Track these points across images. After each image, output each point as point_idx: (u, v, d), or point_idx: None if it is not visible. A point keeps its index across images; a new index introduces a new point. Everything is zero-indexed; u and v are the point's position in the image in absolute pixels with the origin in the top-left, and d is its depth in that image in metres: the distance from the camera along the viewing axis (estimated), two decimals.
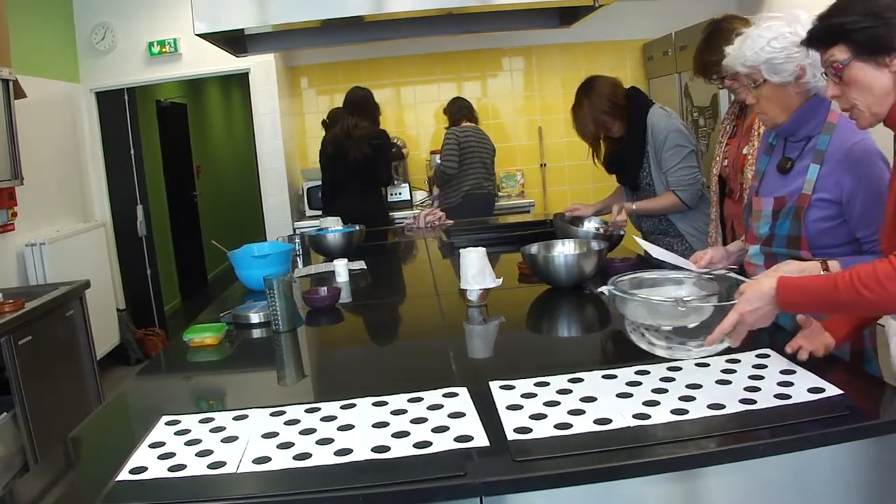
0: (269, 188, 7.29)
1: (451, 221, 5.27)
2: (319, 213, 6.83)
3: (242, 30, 3.80)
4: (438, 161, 6.51)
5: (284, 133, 7.25)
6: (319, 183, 6.77)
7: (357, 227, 4.36)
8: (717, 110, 6.12)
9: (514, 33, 7.25)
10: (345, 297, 3.33)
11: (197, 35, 3.54)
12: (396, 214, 6.61)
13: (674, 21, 7.07)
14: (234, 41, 4.09)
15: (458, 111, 6.54)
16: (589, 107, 3.78)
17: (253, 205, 8.19)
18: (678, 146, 3.66)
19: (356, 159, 5.82)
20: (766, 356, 2.05)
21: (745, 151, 3.06)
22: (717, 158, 3.26)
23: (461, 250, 2.94)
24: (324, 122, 6.75)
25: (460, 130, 6.36)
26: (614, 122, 3.80)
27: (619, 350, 2.53)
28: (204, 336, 2.69)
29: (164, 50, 6.95)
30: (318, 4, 3.49)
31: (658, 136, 3.68)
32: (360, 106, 5.93)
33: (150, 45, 6.96)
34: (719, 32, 3.05)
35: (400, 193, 6.92)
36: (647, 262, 3.68)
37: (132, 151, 7.24)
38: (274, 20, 3.66)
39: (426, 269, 4.13)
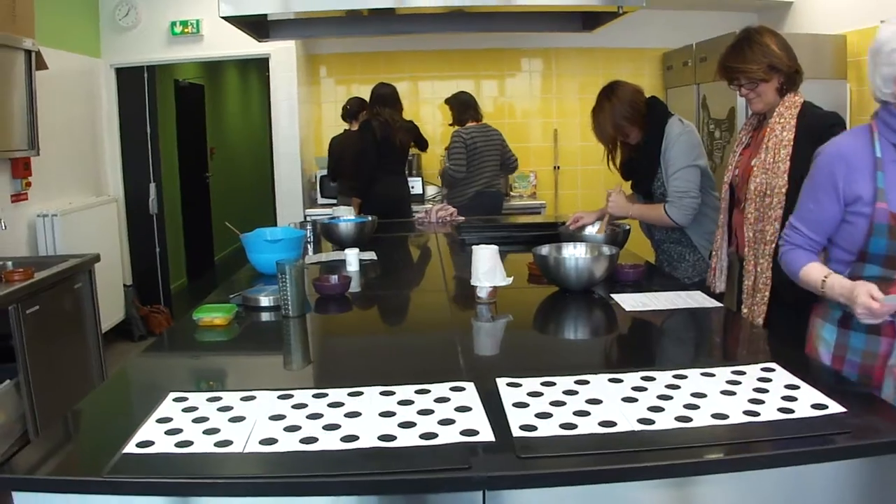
0: (283, 174, 7.31)
1: (463, 218, 5.28)
2: (334, 201, 6.89)
3: (266, 15, 3.81)
4: (447, 163, 6.52)
5: (301, 120, 7.28)
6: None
7: (370, 218, 4.39)
8: (734, 123, 6.13)
9: (533, 34, 7.28)
10: (354, 286, 3.35)
11: (221, 17, 3.56)
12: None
13: (695, 32, 7.10)
14: (256, 26, 4.10)
15: (464, 110, 6.50)
16: (609, 110, 3.79)
17: (264, 190, 8.22)
18: (678, 157, 3.65)
19: (403, 145, 6.34)
20: (772, 370, 2.06)
21: (753, 163, 3.09)
22: (730, 167, 3.28)
23: (474, 247, 2.95)
24: (345, 109, 6.80)
25: (466, 133, 6.35)
26: (632, 129, 3.80)
27: (625, 355, 2.56)
28: (213, 316, 2.71)
29: (186, 30, 6.98)
30: None
31: (667, 143, 3.68)
32: (390, 101, 6.27)
33: (173, 24, 6.99)
34: (748, 41, 3.08)
35: (413, 187, 6.96)
36: (657, 269, 3.70)
37: (148, 129, 7.28)
38: (297, 7, 3.68)
39: (436, 263, 4.14)
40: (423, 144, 6.78)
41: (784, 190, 2.97)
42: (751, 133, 3.27)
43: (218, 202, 10.31)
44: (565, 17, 4.59)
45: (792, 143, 2.98)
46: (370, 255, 3.91)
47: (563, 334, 2.86)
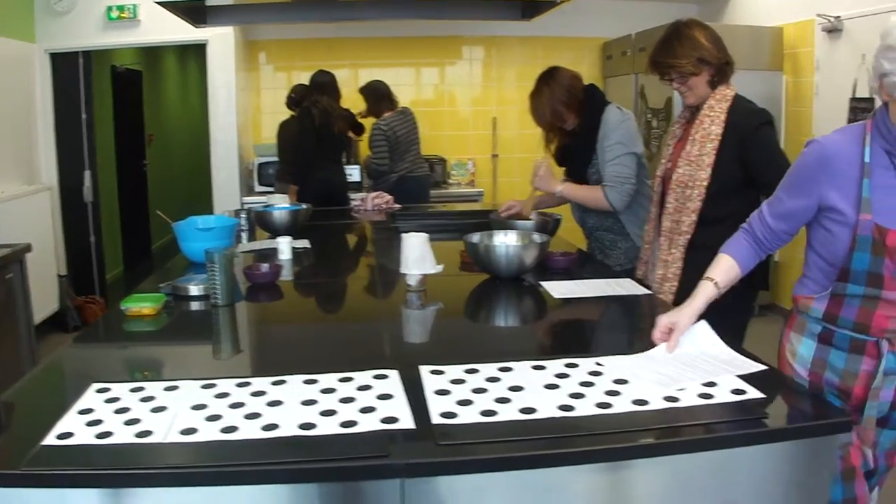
0: (220, 162, 7.25)
1: (399, 206, 5.28)
2: (271, 189, 6.85)
3: (203, 0, 3.78)
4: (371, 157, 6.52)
5: (239, 107, 7.22)
6: (272, 159, 6.90)
7: (304, 206, 4.37)
8: (671, 113, 6.21)
9: (475, 23, 7.30)
10: (286, 274, 3.33)
11: (156, 2, 3.51)
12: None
13: (635, 22, 7.17)
14: (193, 11, 4.07)
15: (379, 100, 6.50)
16: (548, 95, 3.81)
17: (203, 177, 8.13)
18: (619, 143, 3.68)
19: (341, 132, 6.39)
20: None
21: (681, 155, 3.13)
22: (663, 161, 3.31)
23: (403, 235, 2.95)
24: (289, 97, 6.76)
25: (385, 124, 6.35)
26: (570, 114, 3.82)
27: (550, 342, 2.58)
28: (141, 306, 2.68)
29: (122, 15, 6.88)
30: None
31: (606, 130, 3.71)
32: (329, 89, 6.29)
33: (109, 9, 6.88)
34: (677, 35, 3.10)
35: (351, 175, 6.95)
36: (589, 257, 3.74)
37: (84, 116, 7.16)
38: None
39: (369, 251, 4.15)
40: (359, 129, 6.83)
41: (705, 183, 3.01)
42: (684, 126, 3.30)
43: (155, 190, 10.18)
44: (505, 5, 4.62)
45: (720, 137, 3.01)
46: (304, 243, 3.89)
47: (491, 321, 2.88)
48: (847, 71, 5.67)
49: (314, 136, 6.16)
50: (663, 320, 2.23)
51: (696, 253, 2.98)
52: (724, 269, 2.36)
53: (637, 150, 3.73)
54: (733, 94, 3.09)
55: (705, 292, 2.30)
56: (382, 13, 4.65)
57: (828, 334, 2.28)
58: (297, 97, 6.67)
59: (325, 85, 6.26)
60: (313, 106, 6.14)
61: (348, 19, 4.86)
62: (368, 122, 6.55)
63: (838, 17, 5.81)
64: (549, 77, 3.84)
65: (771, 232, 2.37)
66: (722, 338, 2.22)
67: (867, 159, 2.13)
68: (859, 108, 5.55)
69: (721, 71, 3.09)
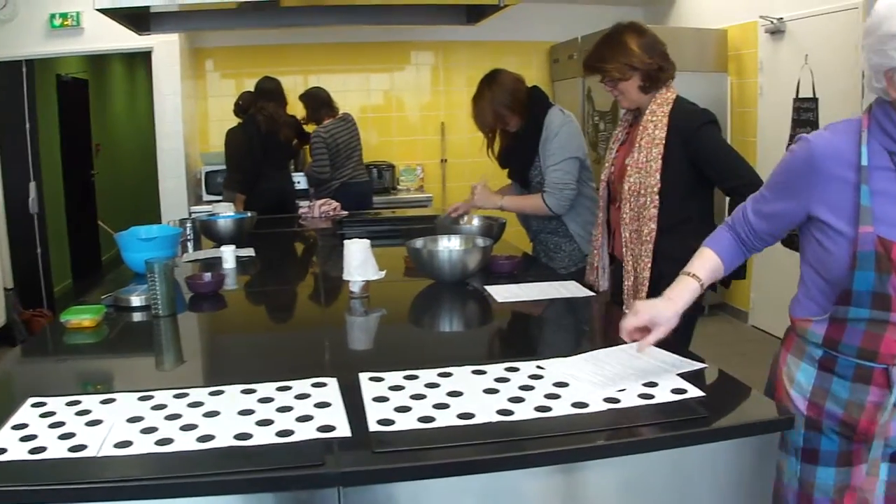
0: (167, 171, 7.19)
1: (346, 212, 5.27)
2: (219, 197, 6.79)
3: (147, 7, 3.73)
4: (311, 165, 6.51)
5: (186, 115, 7.16)
6: (220, 167, 6.87)
7: (248, 214, 4.35)
8: (618, 115, 6.24)
9: (423, 28, 7.30)
10: (230, 283, 3.31)
11: (97, 10, 3.47)
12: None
13: (581, 25, 7.22)
14: (137, 18, 4.02)
15: (318, 107, 6.46)
16: (490, 98, 3.82)
17: (151, 187, 8.05)
18: (560, 147, 3.69)
19: (287, 140, 6.40)
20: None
21: (626, 162, 3.12)
22: (607, 165, 3.32)
23: (345, 241, 2.95)
24: (237, 105, 6.71)
25: (325, 131, 6.31)
26: (512, 117, 3.83)
27: (492, 347, 2.59)
28: (81, 318, 2.64)
29: (65, 23, 6.78)
30: None
31: (548, 132, 3.72)
32: (274, 96, 6.29)
33: (52, 16, 6.78)
34: (608, 40, 3.13)
35: (298, 182, 6.92)
36: (533, 260, 3.75)
37: (27, 126, 7.05)
38: None
39: (315, 259, 4.12)
40: (306, 137, 6.78)
41: (657, 189, 3.00)
42: (627, 129, 3.31)
43: (104, 201, 10.05)
44: (449, 10, 4.62)
45: (664, 141, 3.01)
46: (248, 252, 3.87)
47: (434, 327, 2.88)
48: (790, 71, 5.74)
49: (260, 144, 6.13)
50: (643, 315, 2.07)
51: (659, 261, 2.99)
52: (708, 266, 2.17)
53: (579, 153, 3.74)
54: (674, 97, 3.09)
55: (688, 289, 2.13)
56: (329, 19, 4.63)
57: (829, 360, 1.98)
58: (244, 104, 6.63)
59: (270, 92, 6.24)
60: (259, 113, 6.12)
61: (294, 25, 4.83)
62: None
63: (781, 18, 5.89)
64: (492, 80, 3.86)
65: (753, 231, 2.14)
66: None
67: (864, 162, 1.84)
68: (803, 108, 5.63)
69: (652, 77, 3.08)
